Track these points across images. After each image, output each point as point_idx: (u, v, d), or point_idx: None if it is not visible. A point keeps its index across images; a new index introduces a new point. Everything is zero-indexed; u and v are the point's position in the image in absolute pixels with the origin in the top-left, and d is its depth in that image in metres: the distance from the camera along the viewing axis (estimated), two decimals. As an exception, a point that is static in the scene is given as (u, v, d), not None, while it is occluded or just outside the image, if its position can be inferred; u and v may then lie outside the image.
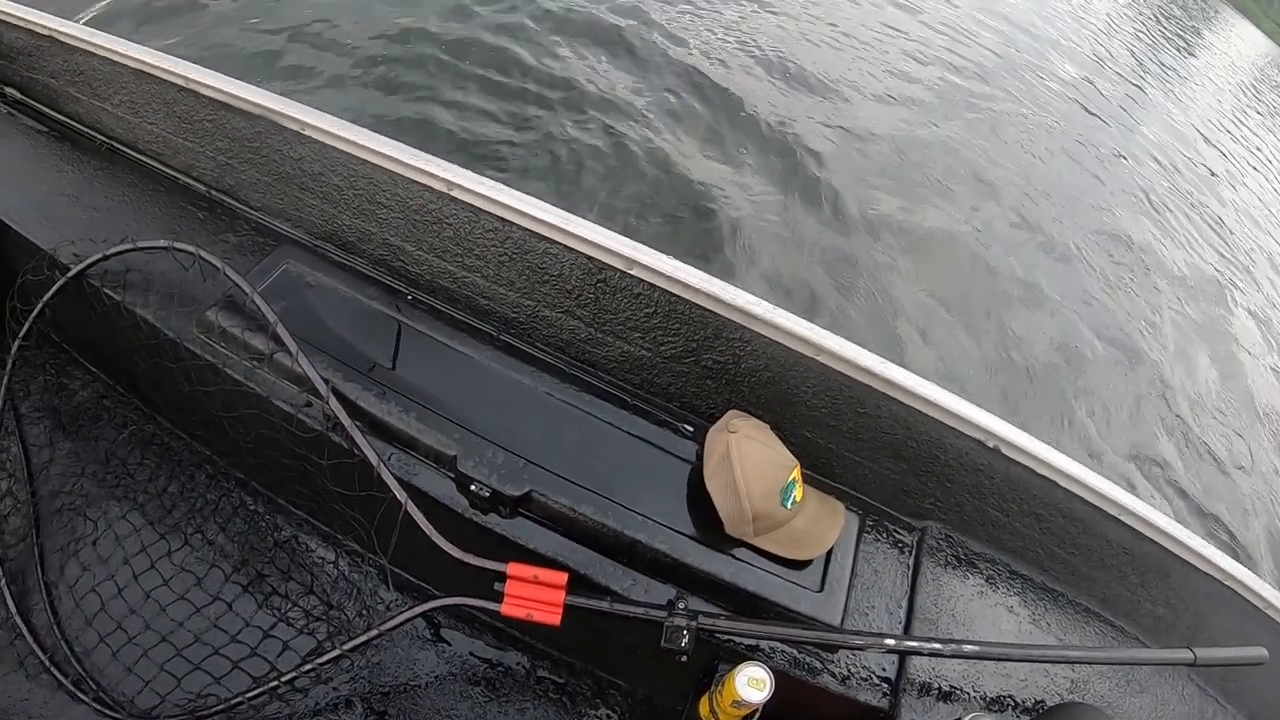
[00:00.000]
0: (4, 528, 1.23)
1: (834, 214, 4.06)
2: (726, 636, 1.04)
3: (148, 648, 1.15)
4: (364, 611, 1.19)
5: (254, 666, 1.14)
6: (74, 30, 1.42)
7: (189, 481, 1.35)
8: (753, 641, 1.07)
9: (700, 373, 1.25)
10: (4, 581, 1.17)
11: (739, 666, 0.98)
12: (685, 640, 0.96)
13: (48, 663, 1.11)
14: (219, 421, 1.21)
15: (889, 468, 1.23)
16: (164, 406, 1.41)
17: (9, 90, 1.53)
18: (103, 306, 1.25)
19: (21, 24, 1.45)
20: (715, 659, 1.08)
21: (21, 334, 1.24)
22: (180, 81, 1.36)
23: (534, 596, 1.00)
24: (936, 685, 1.09)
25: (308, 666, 1.06)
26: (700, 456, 1.16)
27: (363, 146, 1.26)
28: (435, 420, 1.13)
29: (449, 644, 1.24)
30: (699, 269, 1.16)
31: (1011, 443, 1.17)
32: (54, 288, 1.22)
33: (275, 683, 1.06)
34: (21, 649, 1.13)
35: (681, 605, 0.99)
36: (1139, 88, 9.09)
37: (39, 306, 1.23)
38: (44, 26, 1.43)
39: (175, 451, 1.38)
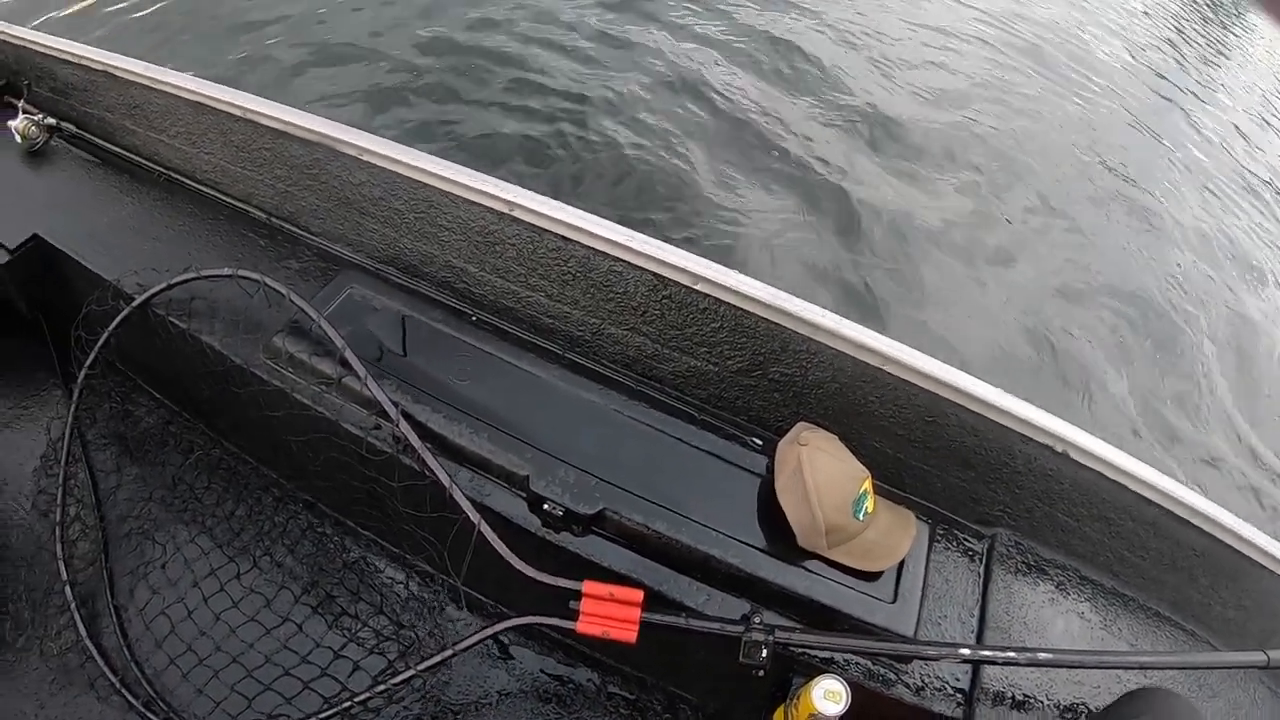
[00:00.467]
0: (73, 552, 1.24)
1: (893, 227, 4.02)
2: (802, 650, 1.04)
3: (218, 669, 1.16)
4: (435, 631, 1.19)
5: (325, 687, 1.14)
6: (128, 64, 1.44)
7: (256, 505, 1.36)
8: (828, 654, 1.07)
9: (768, 386, 1.25)
10: (74, 605, 1.18)
11: (815, 679, 0.97)
12: (763, 654, 0.96)
13: (119, 684, 1.12)
14: (287, 445, 1.22)
15: (958, 476, 1.23)
16: (230, 431, 1.43)
17: (65, 125, 1.56)
18: (167, 334, 1.27)
19: (75, 60, 1.48)
20: (789, 672, 1.07)
21: (88, 363, 1.26)
22: (238, 112, 1.38)
23: (610, 614, 1.00)
24: (1010, 694, 1.08)
25: (381, 687, 1.06)
26: (770, 470, 1.15)
27: (422, 170, 1.28)
28: (506, 440, 1.13)
29: (518, 661, 1.25)
30: (764, 282, 1.16)
31: (1081, 447, 1.16)
32: (119, 317, 1.24)
33: (348, 703, 1.07)
34: (92, 671, 1.14)
35: (757, 620, 0.99)
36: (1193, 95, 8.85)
37: (104, 335, 1.25)
38: (98, 62, 1.46)
39: (242, 475, 1.40)
